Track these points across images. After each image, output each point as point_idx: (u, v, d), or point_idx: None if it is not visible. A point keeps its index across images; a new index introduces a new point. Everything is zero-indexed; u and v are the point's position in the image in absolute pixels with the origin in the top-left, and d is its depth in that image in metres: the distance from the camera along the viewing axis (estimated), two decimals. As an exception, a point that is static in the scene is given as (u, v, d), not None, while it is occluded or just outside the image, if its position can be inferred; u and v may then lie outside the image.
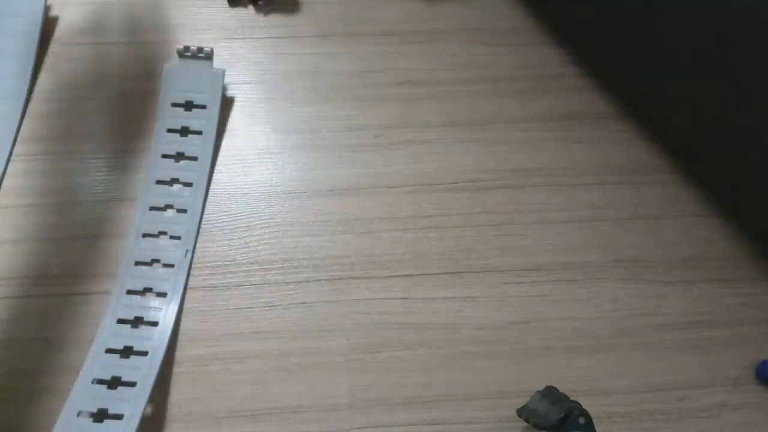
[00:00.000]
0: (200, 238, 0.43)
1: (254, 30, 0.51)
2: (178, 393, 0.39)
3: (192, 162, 0.44)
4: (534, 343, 0.41)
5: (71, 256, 0.42)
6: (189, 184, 0.44)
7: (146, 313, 0.39)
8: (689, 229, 0.44)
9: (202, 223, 0.43)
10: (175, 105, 0.45)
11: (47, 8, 0.49)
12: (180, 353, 0.40)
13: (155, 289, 0.40)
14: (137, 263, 0.41)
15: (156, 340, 0.38)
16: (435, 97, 0.48)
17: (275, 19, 0.51)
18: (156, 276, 0.41)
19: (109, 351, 0.38)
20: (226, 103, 0.47)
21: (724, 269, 0.43)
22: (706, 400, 0.39)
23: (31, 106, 0.46)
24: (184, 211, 0.43)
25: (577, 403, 0.36)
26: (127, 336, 0.39)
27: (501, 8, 0.52)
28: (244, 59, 0.49)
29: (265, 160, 0.46)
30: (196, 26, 0.50)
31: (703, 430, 0.39)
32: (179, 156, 0.44)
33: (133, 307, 0.39)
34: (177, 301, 0.40)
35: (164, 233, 0.42)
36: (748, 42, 0.35)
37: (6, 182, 0.44)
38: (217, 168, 0.45)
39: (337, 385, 0.39)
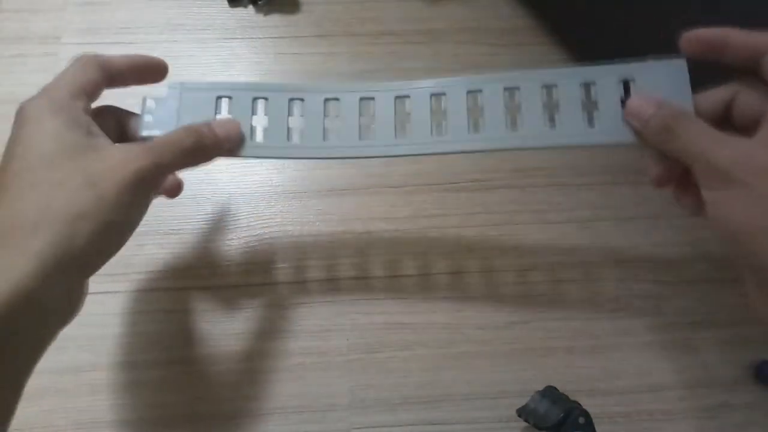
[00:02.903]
0: (200, 237, 0.43)
1: (254, 30, 0.51)
2: (178, 393, 0.39)
3: None
4: (534, 343, 0.41)
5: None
6: None
7: None
8: (689, 229, 0.44)
9: (203, 223, 0.43)
10: None
11: None
12: (180, 353, 0.40)
13: None
14: None
15: None
16: (435, 97, 0.48)
17: (275, 19, 0.51)
18: None
19: None
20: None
21: (724, 269, 0.43)
22: (706, 400, 0.39)
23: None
24: None
25: (577, 403, 0.36)
26: None
27: (501, 8, 0.52)
28: (244, 59, 0.49)
29: (265, 159, 0.46)
30: (196, 26, 0.50)
31: (703, 430, 0.39)
32: None
33: None
34: None
35: None
36: None
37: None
38: (217, 168, 0.45)
39: (337, 385, 0.39)
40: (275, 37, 0.50)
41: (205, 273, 0.42)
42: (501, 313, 0.41)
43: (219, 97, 0.33)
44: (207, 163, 0.32)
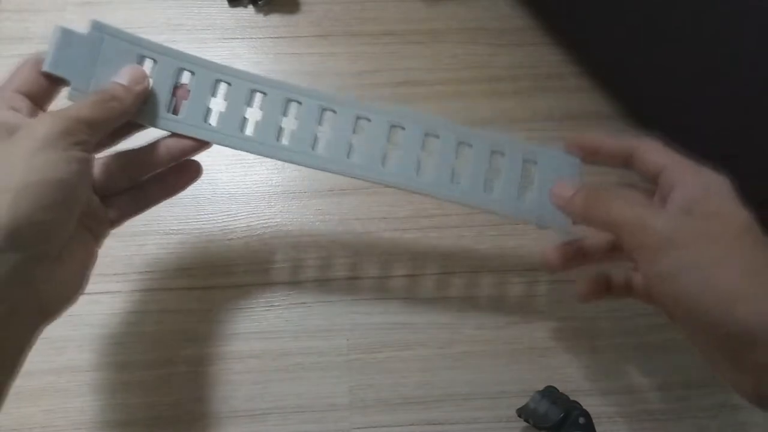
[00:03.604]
0: (200, 237, 0.43)
1: (254, 30, 0.51)
2: (178, 393, 0.39)
3: None
4: (534, 343, 0.41)
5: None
6: None
7: None
8: (689, 229, 0.44)
9: (203, 223, 0.43)
10: None
11: None
12: (180, 353, 0.40)
13: None
14: None
15: None
16: (434, 97, 0.48)
17: (275, 19, 0.51)
18: None
19: None
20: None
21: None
22: (706, 400, 0.39)
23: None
24: None
25: (577, 403, 0.36)
26: None
27: (501, 8, 0.52)
28: (244, 59, 0.49)
29: (265, 160, 0.45)
30: (196, 26, 0.50)
31: (703, 430, 0.39)
32: None
33: None
34: None
35: None
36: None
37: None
38: (217, 168, 0.45)
39: (337, 385, 0.39)
40: (275, 37, 0.50)
41: (205, 273, 0.42)
42: (501, 313, 0.41)
43: (143, 57, 0.31)
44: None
